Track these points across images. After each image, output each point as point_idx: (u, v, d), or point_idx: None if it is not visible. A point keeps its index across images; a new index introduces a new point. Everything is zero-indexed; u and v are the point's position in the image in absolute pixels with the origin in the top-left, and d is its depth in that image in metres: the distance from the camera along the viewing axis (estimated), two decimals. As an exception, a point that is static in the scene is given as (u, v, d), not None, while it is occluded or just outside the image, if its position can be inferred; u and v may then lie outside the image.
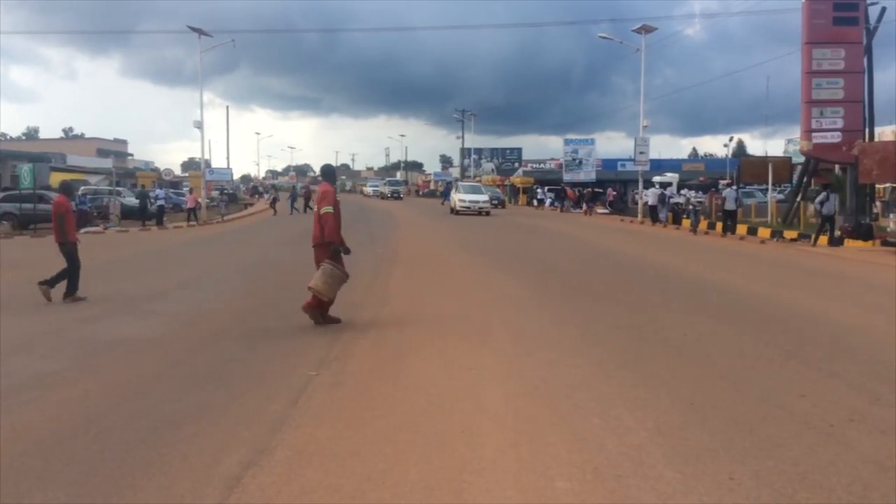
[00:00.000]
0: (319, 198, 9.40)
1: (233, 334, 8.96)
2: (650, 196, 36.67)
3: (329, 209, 9.16)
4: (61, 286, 11.54)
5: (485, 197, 44.01)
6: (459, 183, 49.09)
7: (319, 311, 9.20)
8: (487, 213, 41.94)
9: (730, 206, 27.41)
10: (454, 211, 43.08)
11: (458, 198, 43.32)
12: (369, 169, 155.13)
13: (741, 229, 26.81)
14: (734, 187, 29.04)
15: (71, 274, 11.73)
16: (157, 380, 6.78)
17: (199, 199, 39.03)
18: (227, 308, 10.90)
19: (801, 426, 5.34)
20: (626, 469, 4.50)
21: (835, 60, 26.07)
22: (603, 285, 13.28)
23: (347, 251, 9.52)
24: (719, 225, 27.83)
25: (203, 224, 34.96)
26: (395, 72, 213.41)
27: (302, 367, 7.12)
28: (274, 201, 50.07)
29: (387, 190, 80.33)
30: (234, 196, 55.59)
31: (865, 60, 26.71)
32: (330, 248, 9.20)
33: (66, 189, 13.12)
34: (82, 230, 27.19)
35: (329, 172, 10.11)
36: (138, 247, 21.95)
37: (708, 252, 20.28)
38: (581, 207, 47.25)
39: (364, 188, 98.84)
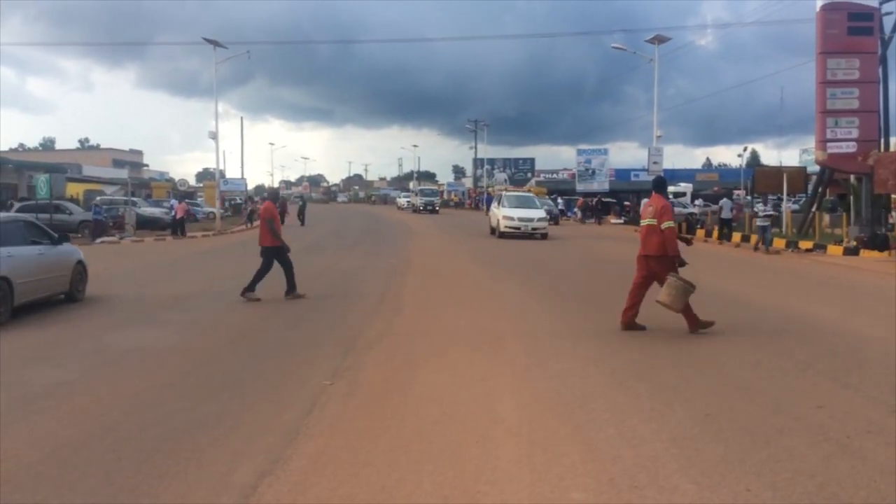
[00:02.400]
0: (660, 212, 9.28)
1: (247, 343, 9.00)
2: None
3: (671, 224, 9.27)
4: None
5: (540, 213, 30.94)
6: (504, 193, 33.89)
7: (699, 322, 9.35)
8: (544, 236, 29.48)
9: (725, 214, 29.48)
10: (497, 232, 30.23)
11: (504, 214, 30.08)
12: (382, 179, 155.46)
13: (754, 240, 26.66)
14: (735, 197, 30.45)
15: (287, 273, 12.64)
16: (171, 389, 6.82)
17: (191, 209, 36.33)
18: (240, 317, 10.94)
19: (818, 438, 5.30)
20: (642, 480, 4.47)
21: (849, 70, 25.97)
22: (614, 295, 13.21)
23: (683, 263, 9.50)
24: (753, 237, 27.43)
25: (218, 233, 35.06)
26: (408, 82, 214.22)
27: (316, 376, 7.14)
28: (251, 214, 42.37)
29: (418, 201, 66.19)
30: (241, 208, 52.52)
31: (880, 70, 26.59)
32: (674, 262, 9.31)
33: (274, 196, 14.63)
34: (98, 240, 27.44)
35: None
36: (153, 256, 22.05)
37: (725, 263, 20.17)
38: (592, 218, 47.11)
39: (398, 199, 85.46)
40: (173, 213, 33.20)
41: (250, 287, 12.40)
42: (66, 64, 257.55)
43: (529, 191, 44.36)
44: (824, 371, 7.42)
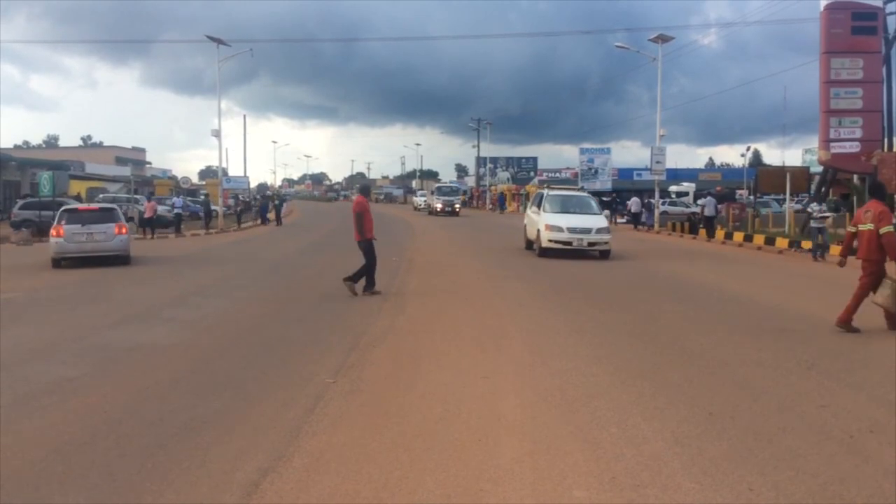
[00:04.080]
0: (878, 217, 9.41)
1: (250, 341, 9.01)
2: (633, 204, 39.70)
3: (890, 228, 9.31)
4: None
5: (599, 220, 21.46)
6: (547, 193, 23.26)
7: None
8: (604, 255, 20.43)
9: (709, 212, 30.06)
10: (537, 248, 20.81)
11: (549, 222, 20.62)
12: (385, 177, 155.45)
13: (758, 239, 26.62)
14: (738, 196, 30.36)
15: (369, 269, 12.64)
16: (175, 386, 6.83)
17: (159, 208, 33.48)
18: (243, 315, 10.95)
19: (821, 437, 5.30)
20: (644, 479, 4.48)
21: (853, 70, 25.93)
22: (621, 295, 13.21)
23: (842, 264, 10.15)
24: (758, 238, 27.31)
25: (219, 231, 35.13)
26: (412, 81, 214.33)
27: (319, 374, 7.15)
28: (241, 213, 42.46)
29: (438, 202, 54.54)
30: (249, 205, 49.74)
31: (884, 70, 26.54)
32: (882, 264, 9.46)
33: (365, 190, 14.63)
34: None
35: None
36: (155, 254, 22.07)
37: (728, 263, 20.14)
38: None
39: (414, 199, 76.19)
40: (142, 211, 32.34)
41: (369, 284, 12.59)
42: (71, 62, 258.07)
43: (581, 189, 29.59)
44: (828, 370, 7.41)
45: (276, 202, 46.26)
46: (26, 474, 4.58)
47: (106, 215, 18.56)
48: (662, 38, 37.42)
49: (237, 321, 10.48)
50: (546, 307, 11.62)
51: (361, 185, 15.80)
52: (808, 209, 23.04)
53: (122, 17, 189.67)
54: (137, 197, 39.59)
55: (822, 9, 26.30)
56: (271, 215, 44.37)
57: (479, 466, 4.70)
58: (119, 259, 18.05)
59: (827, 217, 22.25)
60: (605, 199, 49.21)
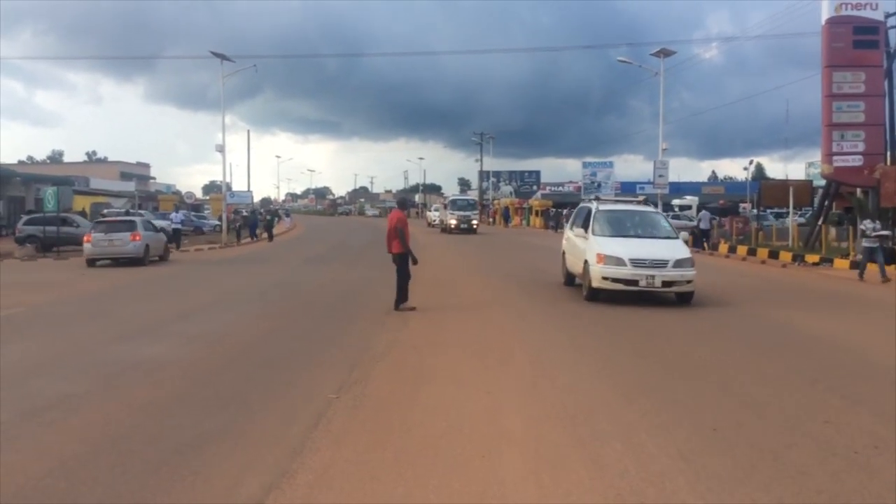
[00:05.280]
0: None
1: (253, 356, 9.01)
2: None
3: None
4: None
5: (677, 247, 14.47)
6: (598, 207, 15.89)
7: None
8: (684, 298, 13.90)
9: (704, 225, 31.15)
10: (587, 288, 14.19)
11: (601, 251, 13.90)
12: (388, 191, 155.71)
13: (762, 253, 26.60)
14: (742, 210, 30.55)
15: (402, 284, 12.51)
16: (178, 402, 6.83)
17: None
18: (247, 330, 10.96)
19: (826, 453, 5.28)
20: (649, 496, 4.46)
21: (855, 84, 25.94)
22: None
23: None
24: (764, 252, 27.32)
25: (224, 247, 35.08)
26: (414, 95, 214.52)
27: (322, 390, 7.14)
28: (240, 229, 40.79)
29: (452, 218, 46.49)
30: (248, 220, 44.30)
31: (886, 84, 26.58)
32: None
33: (402, 203, 14.36)
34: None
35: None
36: (160, 269, 22.12)
37: (735, 276, 20.11)
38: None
39: (428, 213, 68.49)
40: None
41: (400, 298, 12.48)
42: (75, 77, 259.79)
43: (645, 200, 19.37)
44: (832, 386, 7.39)
45: (268, 217, 43.18)
46: (29, 491, 4.58)
47: (124, 226, 23.48)
48: (664, 53, 37.50)
49: (240, 336, 10.47)
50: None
51: (399, 198, 15.40)
52: (862, 226, 19.67)
53: (127, 32, 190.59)
54: (141, 212, 39.62)
55: (823, 23, 26.36)
56: (262, 231, 41.11)
57: (483, 483, 4.69)
58: (134, 261, 22.56)
59: (886, 235, 19.22)
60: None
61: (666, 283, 13.43)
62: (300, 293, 15.88)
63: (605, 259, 13.58)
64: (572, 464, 5.03)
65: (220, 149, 40.10)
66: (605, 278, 13.52)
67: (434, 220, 57.84)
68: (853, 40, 25.86)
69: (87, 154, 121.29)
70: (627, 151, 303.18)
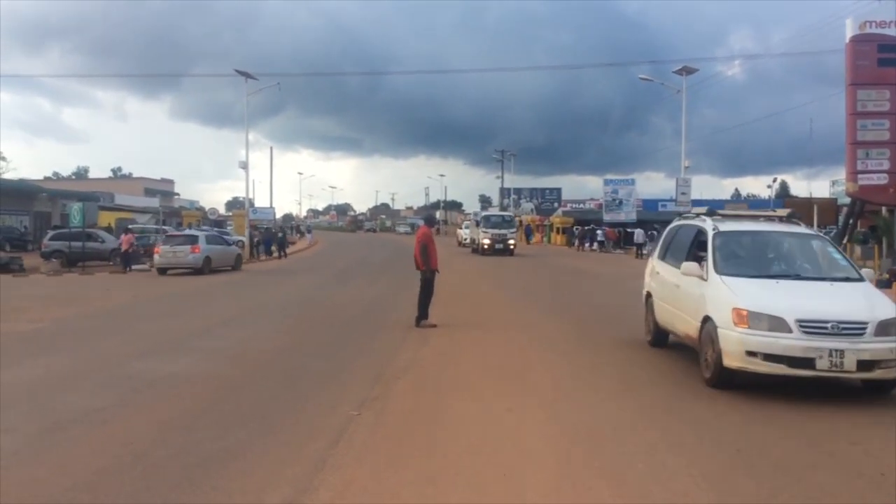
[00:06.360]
0: None
1: (274, 372, 9.04)
2: (638, 235, 43.48)
3: None
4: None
5: (872, 298, 8.01)
6: (717, 227, 9.21)
7: None
8: (883, 386, 7.72)
9: None
10: (710, 365, 7.99)
11: (742, 306, 7.68)
12: (409, 208, 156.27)
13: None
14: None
15: (424, 301, 12.65)
16: (200, 417, 6.85)
17: (135, 242, 29.63)
18: (268, 345, 11.00)
19: (852, 474, 5.21)
20: (672, 516, 4.41)
21: (880, 102, 25.75)
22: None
23: None
24: None
25: (246, 262, 35.01)
26: (436, 113, 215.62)
27: (343, 406, 7.15)
28: (257, 245, 39.87)
29: (485, 237, 40.05)
30: (265, 236, 42.28)
31: (911, 102, 26.33)
32: None
33: (430, 220, 14.57)
34: (130, 268, 27.76)
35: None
36: (182, 285, 22.28)
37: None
38: (621, 247, 47.06)
39: (459, 231, 62.64)
40: (119, 245, 29.65)
41: (422, 315, 12.57)
42: (102, 95, 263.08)
43: (791, 215, 10.41)
44: (858, 406, 7.28)
45: (280, 235, 42.47)
46: (54, 504, 4.61)
47: (186, 239, 26.59)
48: (686, 70, 37.46)
49: (261, 351, 10.51)
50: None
51: (426, 215, 15.50)
52: None
53: (153, 51, 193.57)
54: (151, 227, 39.83)
55: (847, 41, 26.23)
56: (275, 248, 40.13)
57: (504, 501, 4.66)
58: (196, 270, 25.54)
59: None
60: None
61: (864, 365, 7.40)
62: (323, 306, 15.92)
63: (750, 319, 7.66)
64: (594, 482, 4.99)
65: (244, 165, 40.48)
66: (751, 353, 7.57)
67: (464, 239, 52.02)
68: (878, 58, 25.70)
69: (113, 170, 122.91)
70: (649, 169, 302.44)
